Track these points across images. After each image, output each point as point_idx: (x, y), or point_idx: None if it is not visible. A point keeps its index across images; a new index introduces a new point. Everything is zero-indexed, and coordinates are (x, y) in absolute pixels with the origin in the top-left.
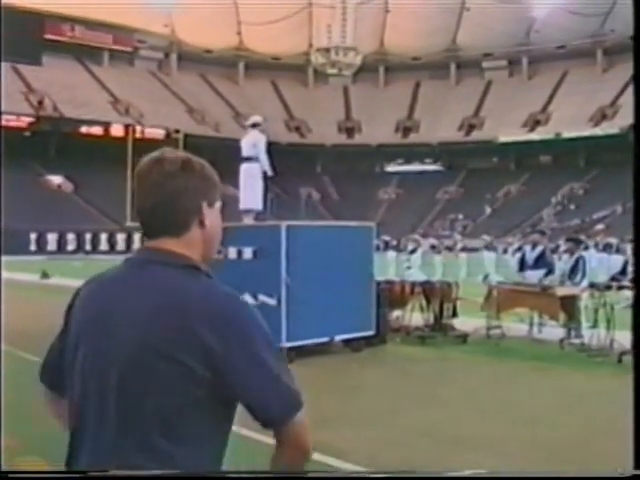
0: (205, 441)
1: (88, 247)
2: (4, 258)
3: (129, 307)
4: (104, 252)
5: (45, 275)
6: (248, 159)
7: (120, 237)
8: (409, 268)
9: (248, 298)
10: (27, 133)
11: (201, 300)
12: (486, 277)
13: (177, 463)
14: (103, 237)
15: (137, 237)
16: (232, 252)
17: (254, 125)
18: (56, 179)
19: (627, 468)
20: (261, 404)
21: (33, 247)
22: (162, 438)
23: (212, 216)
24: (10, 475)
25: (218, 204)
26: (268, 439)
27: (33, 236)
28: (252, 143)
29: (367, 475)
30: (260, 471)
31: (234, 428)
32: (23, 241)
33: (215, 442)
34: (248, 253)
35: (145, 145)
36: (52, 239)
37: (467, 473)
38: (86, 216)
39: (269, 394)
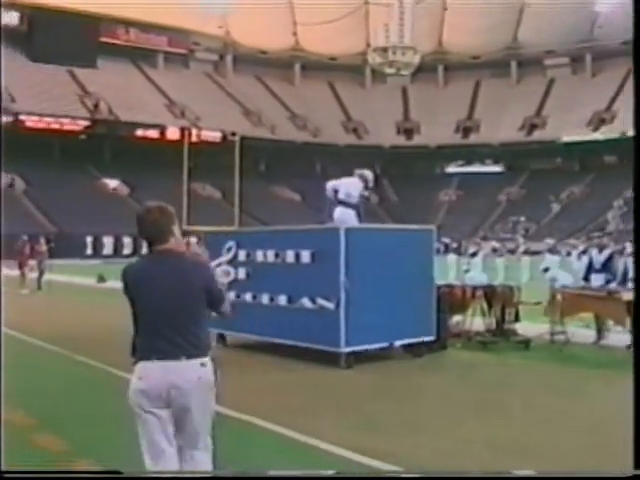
0: (206, 322)
1: (144, 251)
2: (61, 262)
3: (166, 275)
4: None
5: (101, 279)
6: (342, 203)
7: None
8: (467, 271)
9: (306, 302)
10: (83, 136)
11: (196, 267)
12: (546, 270)
13: (201, 335)
14: None
15: (194, 240)
16: (290, 255)
17: (361, 176)
18: (112, 182)
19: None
20: (217, 302)
21: (89, 251)
22: (193, 326)
23: (177, 230)
24: (10, 475)
25: (177, 224)
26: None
27: (89, 239)
28: (347, 193)
29: (369, 475)
30: (260, 472)
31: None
32: (79, 245)
33: (207, 322)
34: (306, 256)
35: (201, 148)
36: (108, 243)
37: (468, 473)
38: None
39: (220, 298)
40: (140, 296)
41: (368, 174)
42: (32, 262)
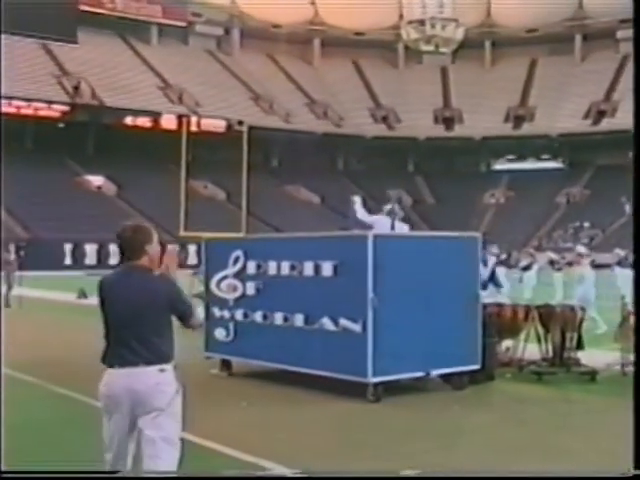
0: (169, 334)
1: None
2: (34, 273)
3: (132, 289)
4: None
5: (83, 294)
6: None
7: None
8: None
9: (327, 322)
10: (61, 124)
11: (160, 283)
12: (624, 299)
13: (161, 346)
14: None
15: (193, 249)
16: (308, 267)
17: (391, 213)
18: (95, 179)
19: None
20: (184, 316)
21: (68, 261)
22: (155, 337)
23: (151, 249)
24: (10, 475)
25: (155, 241)
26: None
27: (68, 247)
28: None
29: (366, 475)
30: (260, 473)
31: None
32: (56, 254)
33: (171, 334)
34: (328, 269)
35: (202, 140)
36: (91, 251)
37: (468, 473)
38: None
39: (187, 312)
40: (109, 306)
41: (398, 211)
42: None
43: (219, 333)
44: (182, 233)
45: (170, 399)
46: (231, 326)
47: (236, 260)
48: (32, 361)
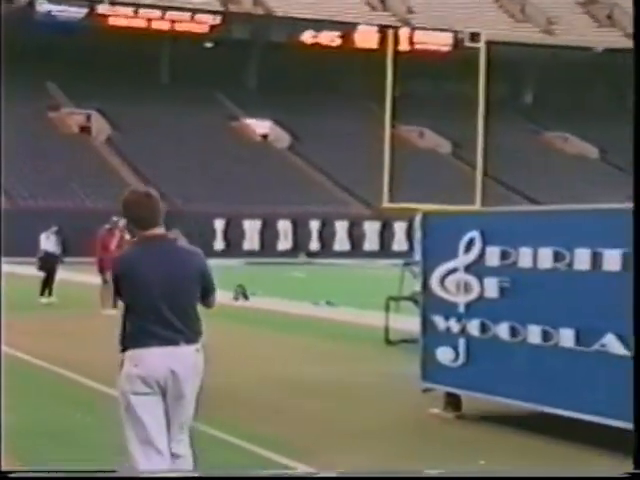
0: (196, 307)
1: (316, 245)
2: None
3: (163, 261)
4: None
5: (242, 294)
6: None
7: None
8: None
9: (613, 343)
10: (208, 44)
11: (191, 253)
12: None
13: (197, 324)
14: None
15: (400, 227)
16: (582, 258)
17: None
18: (260, 125)
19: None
20: (209, 291)
21: (220, 244)
22: (192, 312)
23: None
24: (10, 475)
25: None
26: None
27: (220, 225)
28: None
29: (368, 475)
30: (260, 472)
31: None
32: (203, 234)
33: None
34: (613, 260)
35: (416, 64)
36: (252, 230)
37: (468, 473)
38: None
39: (213, 287)
40: (137, 283)
41: None
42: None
43: (443, 354)
44: (386, 204)
45: (199, 384)
46: (461, 344)
47: (469, 245)
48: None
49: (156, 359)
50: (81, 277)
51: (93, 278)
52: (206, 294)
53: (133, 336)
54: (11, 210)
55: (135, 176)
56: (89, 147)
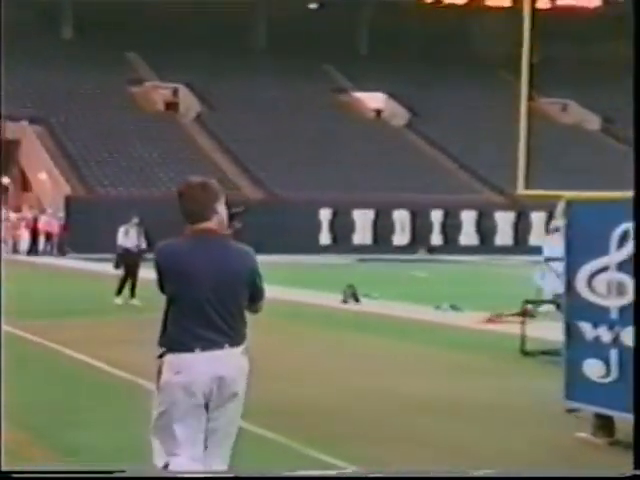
0: (244, 310)
1: (438, 239)
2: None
3: (211, 258)
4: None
5: (352, 295)
6: None
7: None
8: None
9: None
10: (312, 5)
11: (243, 253)
12: None
13: (243, 326)
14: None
15: (538, 218)
16: None
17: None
18: (373, 98)
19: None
20: (258, 294)
21: (326, 238)
22: (238, 314)
23: (220, 208)
24: (10, 475)
25: (222, 200)
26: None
27: (326, 215)
28: None
29: (367, 475)
30: (260, 472)
31: None
32: (304, 225)
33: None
34: None
35: (561, 19)
36: (364, 220)
37: (468, 473)
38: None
39: (262, 290)
40: (181, 278)
41: None
42: None
43: (592, 368)
44: (521, 191)
45: (244, 388)
46: (613, 356)
47: (623, 238)
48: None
49: (201, 365)
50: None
51: None
52: (254, 298)
53: (174, 338)
54: (88, 199)
55: (228, 159)
56: (176, 126)
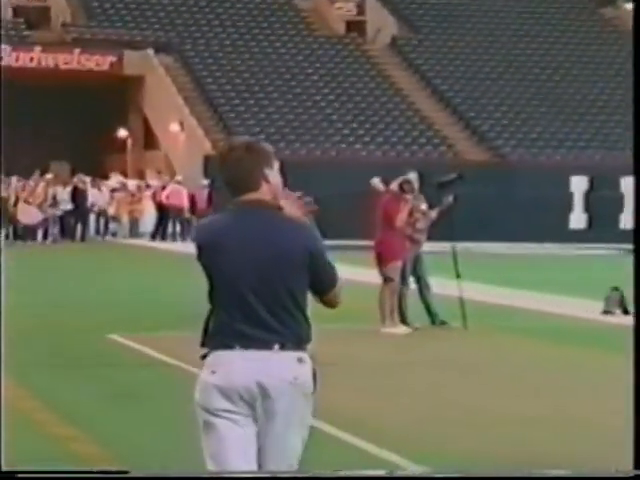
0: (306, 305)
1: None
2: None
3: (256, 235)
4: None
5: (617, 302)
6: None
7: None
8: None
9: None
10: None
11: (297, 228)
12: None
13: (301, 324)
14: None
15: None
16: None
17: None
18: None
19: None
20: (324, 281)
21: (579, 220)
22: (293, 307)
23: (273, 176)
24: (10, 475)
25: (276, 166)
26: None
27: (580, 185)
28: None
29: (367, 475)
30: (260, 472)
31: None
32: None
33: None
34: None
35: None
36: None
37: (469, 473)
38: None
39: (329, 274)
40: (219, 262)
41: None
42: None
43: None
44: None
45: (305, 405)
46: None
47: None
48: None
49: (238, 365)
50: (348, 272)
51: (366, 274)
52: (320, 285)
53: (213, 334)
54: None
55: (434, 103)
56: (360, 55)
